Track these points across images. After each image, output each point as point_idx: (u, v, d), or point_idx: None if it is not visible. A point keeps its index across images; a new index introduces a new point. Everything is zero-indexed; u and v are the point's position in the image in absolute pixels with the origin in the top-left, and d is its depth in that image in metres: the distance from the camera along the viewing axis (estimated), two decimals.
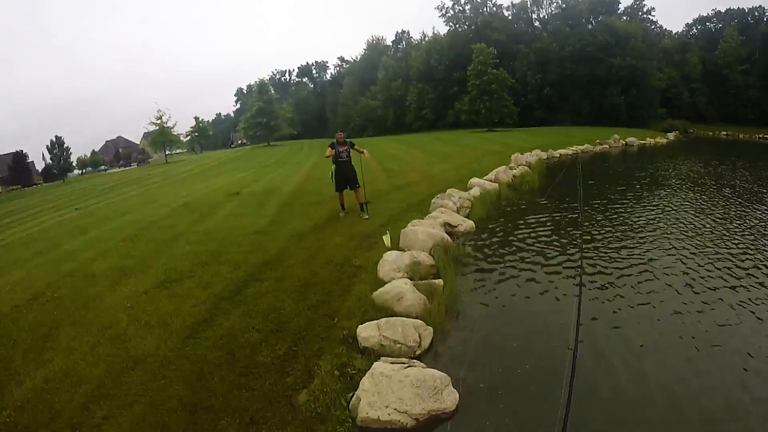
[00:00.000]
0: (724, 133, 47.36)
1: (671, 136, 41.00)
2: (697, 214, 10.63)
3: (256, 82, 67.17)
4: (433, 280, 6.40)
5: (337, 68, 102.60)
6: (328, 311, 5.69)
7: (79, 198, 26.40)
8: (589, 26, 60.00)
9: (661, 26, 70.99)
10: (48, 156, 70.85)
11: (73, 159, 77.69)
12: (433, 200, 10.91)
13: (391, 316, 5.20)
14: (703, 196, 12.85)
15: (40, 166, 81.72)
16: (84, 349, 5.29)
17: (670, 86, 57.66)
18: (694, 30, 72.44)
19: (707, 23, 71.07)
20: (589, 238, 8.82)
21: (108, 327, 5.79)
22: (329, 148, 10.08)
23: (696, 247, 8.11)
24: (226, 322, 5.54)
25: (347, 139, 10.32)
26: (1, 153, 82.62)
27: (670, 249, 8.05)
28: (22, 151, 75.64)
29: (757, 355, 4.69)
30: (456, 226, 9.35)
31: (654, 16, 69.57)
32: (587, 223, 9.86)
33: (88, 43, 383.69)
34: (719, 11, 70.18)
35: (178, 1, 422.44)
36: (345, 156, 10.06)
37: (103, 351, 5.18)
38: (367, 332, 4.83)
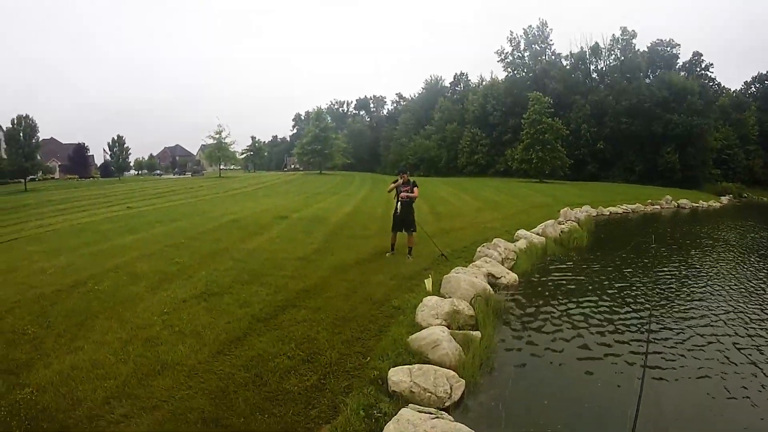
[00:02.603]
0: None
1: (725, 199, 39.45)
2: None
3: (314, 109, 69.11)
4: (471, 331, 6.21)
5: (395, 104, 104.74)
6: (361, 349, 5.60)
7: (133, 198, 27.63)
8: (647, 80, 58.84)
9: (719, 83, 68.46)
10: (108, 152, 74.56)
11: (131, 159, 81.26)
12: (478, 249, 10.74)
13: (424, 363, 5.07)
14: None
15: (98, 160, 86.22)
16: (115, 345, 5.39)
17: (726, 146, 55.49)
18: (753, 88, 69.48)
19: (766, 81, 68.12)
20: (648, 303, 8.36)
21: (142, 328, 5.91)
22: (392, 183, 10.27)
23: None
24: (259, 344, 5.53)
25: (410, 179, 10.28)
26: (64, 142, 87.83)
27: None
28: (83, 143, 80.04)
29: None
30: (499, 278, 9.14)
31: (712, 72, 67.24)
32: (640, 286, 9.40)
33: (160, 52, 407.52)
34: None
35: (250, 23, 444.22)
36: (406, 198, 10.02)
37: (133, 350, 5.26)
38: (398, 376, 4.70)
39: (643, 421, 3.42)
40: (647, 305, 8.17)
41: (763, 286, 10.01)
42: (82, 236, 12.13)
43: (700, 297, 9.20)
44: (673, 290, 9.58)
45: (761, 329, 7.29)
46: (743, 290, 9.66)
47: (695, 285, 10.17)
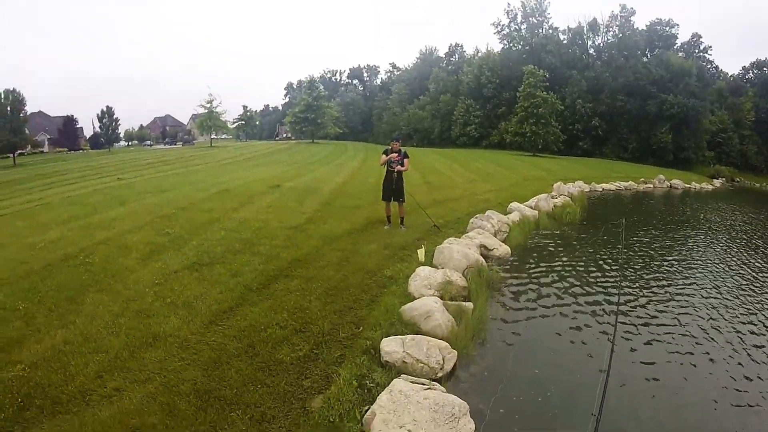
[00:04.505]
0: None
1: (717, 182, 39.54)
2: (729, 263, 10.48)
3: (306, 78, 68.25)
4: (463, 303, 6.23)
5: (388, 74, 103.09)
6: (353, 318, 5.60)
7: (123, 169, 27.24)
8: (644, 59, 58.36)
9: (716, 66, 68.18)
10: (97, 124, 73.51)
11: (121, 131, 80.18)
12: (471, 220, 10.74)
13: (417, 334, 5.07)
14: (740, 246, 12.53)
15: (88, 132, 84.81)
16: (107, 318, 5.32)
17: (721, 130, 55.27)
18: (750, 74, 68.90)
19: (764, 68, 67.71)
20: (626, 282, 8.47)
21: (134, 300, 5.84)
22: (383, 155, 9.86)
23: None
24: (251, 314, 5.50)
25: (401, 148, 9.89)
26: (53, 115, 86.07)
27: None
28: (72, 115, 78.34)
29: None
30: (492, 250, 9.15)
31: (710, 54, 66.94)
32: (627, 265, 9.49)
33: (148, 22, 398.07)
34: None
35: None
36: (395, 166, 9.64)
37: (125, 323, 5.20)
38: (391, 347, 4.70)
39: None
40: (617, 281, 8.29)
41: (729, 265, 10.29)
42: (71, 209, 11.91)
43: (667, 273, 9.50)
44: (643, 273, 9.45)
45: (717, 302, 7.66)
46: (709, 267, 10.05)
47: (664, 260, 10.42)
